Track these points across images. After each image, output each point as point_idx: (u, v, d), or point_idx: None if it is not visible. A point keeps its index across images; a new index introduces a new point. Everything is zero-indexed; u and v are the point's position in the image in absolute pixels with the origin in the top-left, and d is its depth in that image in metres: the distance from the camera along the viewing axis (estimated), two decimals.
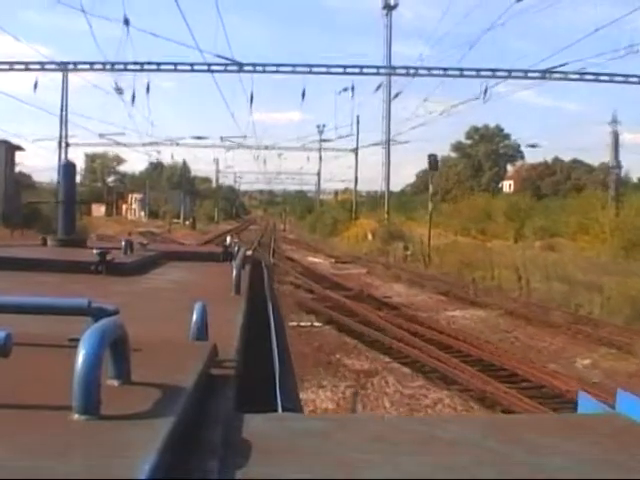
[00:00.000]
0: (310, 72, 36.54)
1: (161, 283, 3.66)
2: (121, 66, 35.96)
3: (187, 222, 69.48)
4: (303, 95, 37.54)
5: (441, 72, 36.30)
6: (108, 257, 3.64)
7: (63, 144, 44.38)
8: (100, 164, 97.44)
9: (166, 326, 2.20)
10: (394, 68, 40.49)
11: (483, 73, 35.47)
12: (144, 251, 4.65)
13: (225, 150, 64.99)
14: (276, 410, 2.16)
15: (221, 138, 59.59)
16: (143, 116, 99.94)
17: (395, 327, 14.78)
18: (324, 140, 64.06)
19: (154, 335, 1.82)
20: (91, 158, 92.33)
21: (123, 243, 4.43)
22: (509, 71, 35.19)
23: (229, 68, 36.30)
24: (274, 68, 36.90)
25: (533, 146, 67.19)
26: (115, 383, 1.25)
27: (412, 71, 37.47)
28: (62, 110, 44.67)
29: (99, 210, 74.23)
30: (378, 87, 43.53)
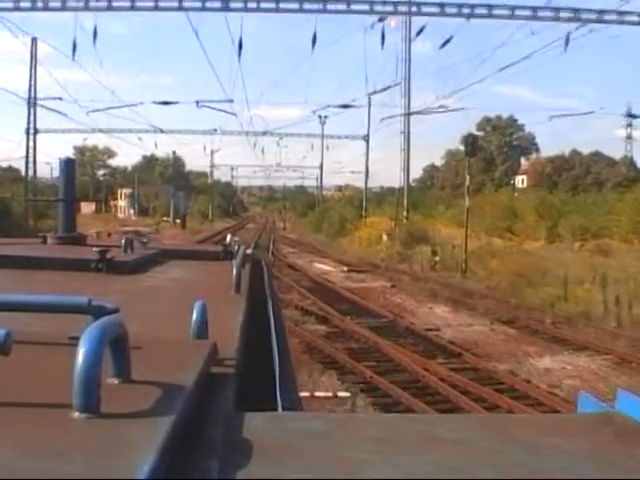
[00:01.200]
0: (324, 10, 30.51)
1: (161, 281, 3.66)
2: (57, 3, 29.82)
3: (178, 220, 62.96)
4: (313, 41, 31.09)
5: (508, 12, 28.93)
6: (108, 255, 3.64)
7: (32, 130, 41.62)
8: (90, 157, 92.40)
9: (166, 324, 2.21)
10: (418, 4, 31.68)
11: (562, 15, 28.86)
12: (144, 249, 4.65)
13: (211, 136, 60.15)
14: (276, 409, 2.16)
15: (197, 102, 47.97)
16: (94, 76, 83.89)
17: (475, 401, 9.51)
18: (328, 136, 61.11)
19: (154, 333, 1.82)
20: (80, 151, 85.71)
21: (123, 241, 4.43)
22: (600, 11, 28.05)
23: (209, 5, 28.53)
24: (273, 5, 29.63)
25: None
26: (115, 381, 1.25)
27: (465, 10, 29.51)
28: (30, 90, 41.63)
29: (88, 207, 69.16)
30: (420, 31, 34.96)
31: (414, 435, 1.30)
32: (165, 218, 65.00)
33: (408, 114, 41.07)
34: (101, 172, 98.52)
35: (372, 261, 33.30)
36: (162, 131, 55.30)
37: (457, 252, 28.82)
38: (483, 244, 30.08)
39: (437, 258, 29.29)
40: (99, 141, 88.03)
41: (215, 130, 56.82)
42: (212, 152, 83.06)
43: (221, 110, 48.02)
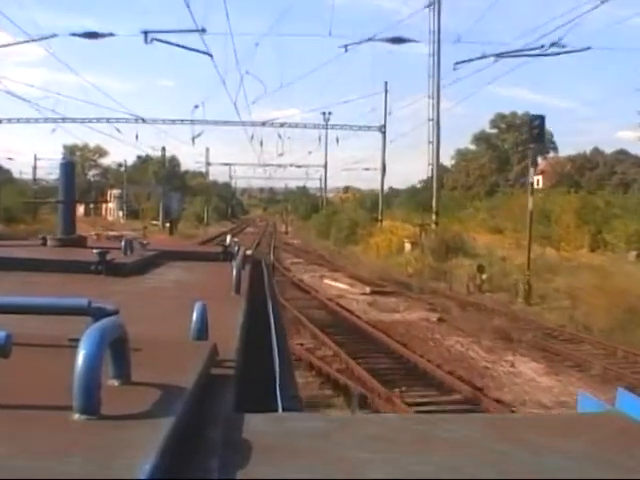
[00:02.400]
0: None
1: (161, 283, 3.66)
2: None
3: (168, 224, 54.46)
4: None
5: None
6: (108, 257, 3.64)
7: None
8: (80, 157, 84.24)
9: (166, 326, 2.21)
10: None
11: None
12: (144, 251, 4.65)
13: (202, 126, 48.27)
14: (276, 410, 2.16)
15: (145, 34, 33.27)
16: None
17: None
18: (338, 126, 50.68)
19: (154, 335, 1.83)
20: (70, 150, 79.66)
21: (123, 243, 4.44)
22: None
23: None
24: None
25: None
26: (115, 383, 1.25)
27: None
28: None
29: (78, 209, 64.49)
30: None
31: (414, 435, 1.30)
32: (154, 222, 57.09)
33: (437, 87, 32.54)
34: (92, 172, 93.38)
35: (397, 277, 26.99)
36: (144, 120, 46.89)
37: (507, 267, 23.55)
38: (536, 256, 22.92)
39: (484, 276, 22.86)
40: (90, 139, 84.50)
41: (196, 107, 46.69)
42: (207, 150, 76.47)
43: (190, 49, 34.22)
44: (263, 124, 49.60)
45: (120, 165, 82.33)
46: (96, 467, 0.90)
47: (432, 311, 19.23)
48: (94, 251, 3.68)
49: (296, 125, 51.05)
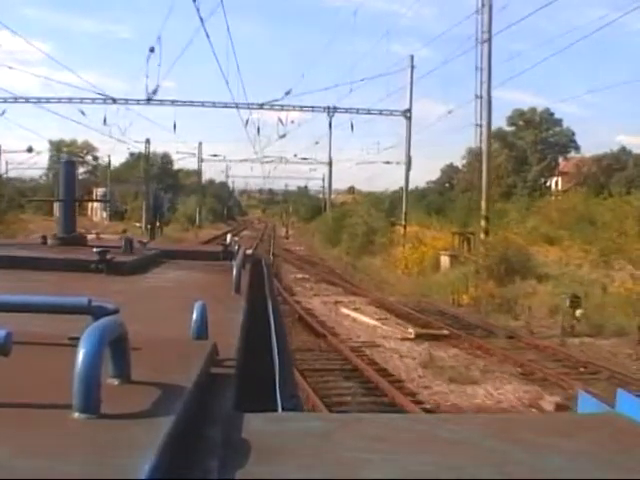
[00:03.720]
0: None
1: (161, 282, 3.66)
2: None
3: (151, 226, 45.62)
4: None
5: None
6: (108, 256, 3.64)
7: None
8: (67, 153, 75.15)
9: (166, 325, 2.21)
10: None
11: None
12: (144, 250, 4.65)
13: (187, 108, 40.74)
14: (276, 410, 2.16)
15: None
16: None
17: None
18: (353, 110, 39.78)
19: (154, 334, 1.83)
20: (56, 146, 75.61)
21: (123, 242, 4.44)
22: None
23: None
24: None
25: None
26: (115, 382, 1.25)
27: None
28: None
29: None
30: None
31: (414, 435, 1.30)
32: (137, 224, 50.13)
33: (489, 55, 24.48)
34: (81, 170, 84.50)
35: (443, 307, 20.24)
36: (114, 101, 38.15)
37: (597, 296, 17.10)
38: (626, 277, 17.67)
39: (579, 312, 16.32)
40: (78, 135, 79.55)
41: (152, 51, 34.29)
42: (200, 144, 67.07)
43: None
44: (261, 106, 39.57)
45: (107, 166, 73.15)
46: (96, 467, 0.90)
47: (530, 381, 11.67)
48: (94, 250, 3.69)
49: (301, 108, 41.26)
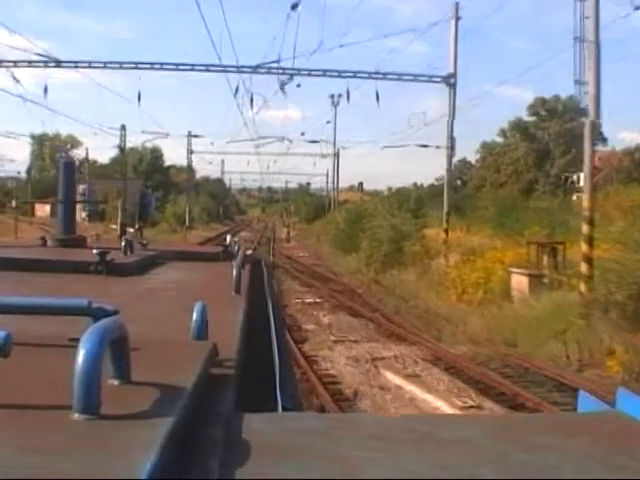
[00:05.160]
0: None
1: (161, 283, 3.66)
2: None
3: (130, 229, 31.75)
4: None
5: None
6: (108, 257, 3.64)
7: None
8: (50, 148, 71.60)
9: (166, 326, 2.21)
10: None
11: None
12: (144, 251, 4.65)
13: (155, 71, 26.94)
14: (276, 410, 2.17)
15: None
16: None
17: None
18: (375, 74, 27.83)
19: (154, 335, 1.83)
20: (39, 140, 69.92)
21: (123, 243, 4.44)
22: None
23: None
24: None
25: None
26: (115, 383, 1.25)
27: None
28: None
29: (43, 209, 55.04)
30: None
31: (414, 434, 1.30)
32: (113, 226, 41.99)
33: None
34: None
35: (553, 372, 11.83)
36: (60, 64, 28.33)
37: None
38: None
39: None
40: (61, 127, 71.39)
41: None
42: (189, 134, 57.31)
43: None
44: (256, 69, 28.39)
45: (94, 162, 64.29)
46: (96, 467, 0.90)
47: None
48: (94, 251, 3.69)
49: (309, 72, 28.96)
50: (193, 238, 36.61)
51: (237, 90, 30.36)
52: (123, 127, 45.08)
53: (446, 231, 25.60)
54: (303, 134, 54.07)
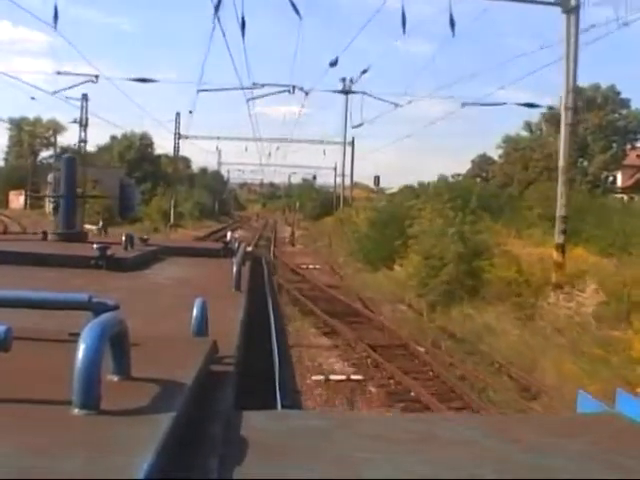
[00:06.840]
0: None
1: (161, 278, 3.66)
2: None
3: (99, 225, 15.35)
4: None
5: None
6: (108, 252, 3.64)
7: None
8: (28, 133, 63.51)
9: (166, 321, 2.21)
10: None
11: None
12: (145, 246, 4.65)
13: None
14: (275, 407, 2.17)
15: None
16: None
17: None
18: None
19: (154, 330, 1.83)
20: (18, 126, 62.20)
21: (123, 238, 4.44)
22: None
23: None
24: None
25: None
26: (115, 378, 1.25)
27: None
28: None
29: (18, 200, 50.14)
30: None
31: (414, 434, 1.30)
32: (88, 226, 23.03)
33: None
34: (47, 154, 65.41)
35: None
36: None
37: None
38: None
39: None
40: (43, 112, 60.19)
41: None
42: (177, 115, 44.88)
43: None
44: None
45: (80, 149, 41.88)
46: (96, 466, 0.90)
47: None
48: (94, 246, 3.69)
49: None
50: (177, 238, 27.44)
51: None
52: (84, 96, 33.96)
53: (562, 248, 15.23)
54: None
